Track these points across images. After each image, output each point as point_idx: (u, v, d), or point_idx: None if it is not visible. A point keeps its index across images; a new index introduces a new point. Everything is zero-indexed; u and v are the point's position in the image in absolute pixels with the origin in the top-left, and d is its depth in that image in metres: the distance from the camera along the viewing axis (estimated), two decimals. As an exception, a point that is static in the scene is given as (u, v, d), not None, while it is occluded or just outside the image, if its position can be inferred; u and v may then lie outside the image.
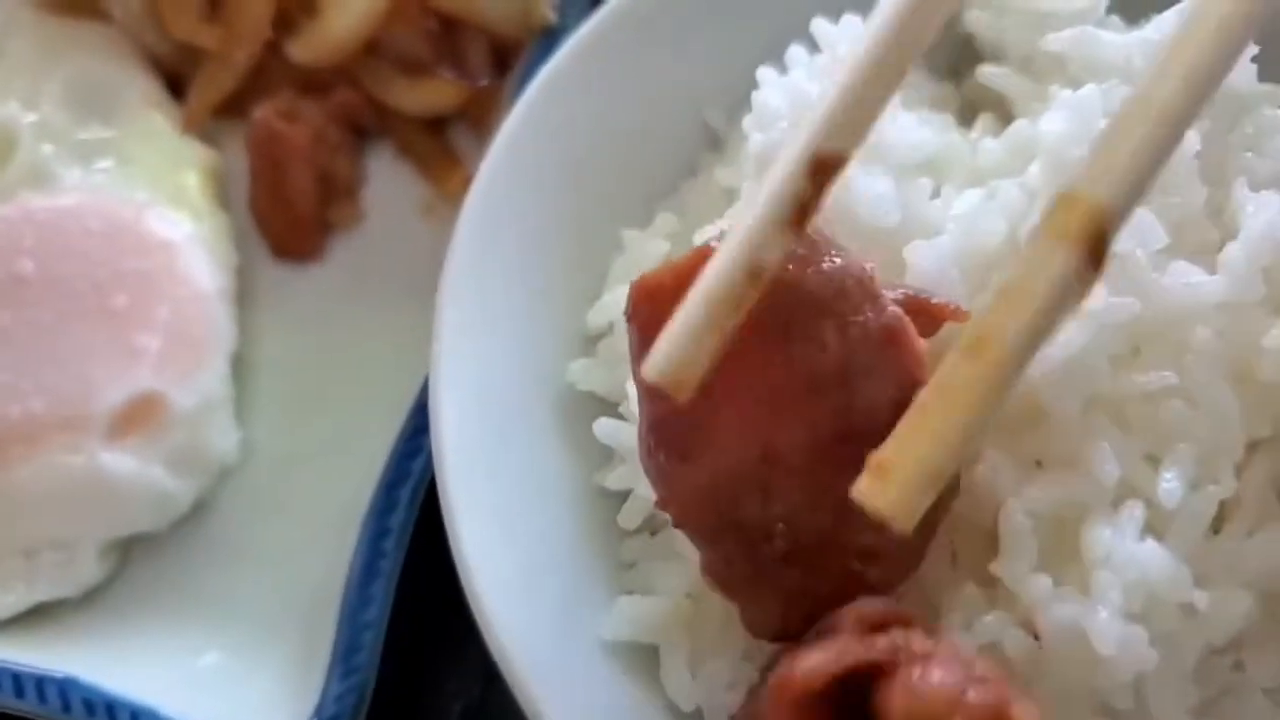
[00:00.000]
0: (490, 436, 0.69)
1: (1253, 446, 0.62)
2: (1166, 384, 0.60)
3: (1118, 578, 0.57)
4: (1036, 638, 0.58)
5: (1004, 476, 0.61)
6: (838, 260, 0.58)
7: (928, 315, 0.61)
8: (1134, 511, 0.58)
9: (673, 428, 0.58)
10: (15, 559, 0.80)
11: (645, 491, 0.64)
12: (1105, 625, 0.56)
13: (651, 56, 0.79)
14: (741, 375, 0.56)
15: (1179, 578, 0.58)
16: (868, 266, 0.59)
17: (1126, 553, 0.57)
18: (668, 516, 0.61)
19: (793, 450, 0.57)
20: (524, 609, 0.64)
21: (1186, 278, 0.61)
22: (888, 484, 0.45)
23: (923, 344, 0.59)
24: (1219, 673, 0.61)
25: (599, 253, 0.77)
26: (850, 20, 0.70)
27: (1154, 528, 0.59)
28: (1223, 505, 0.60)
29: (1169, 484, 0.58)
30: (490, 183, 0.74)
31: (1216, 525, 0.61)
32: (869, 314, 0.58)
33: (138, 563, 0.83)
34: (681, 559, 0.65)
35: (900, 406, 0.55)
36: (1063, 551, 0.60)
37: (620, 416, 0.71)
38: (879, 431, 0.56)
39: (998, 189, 0.66)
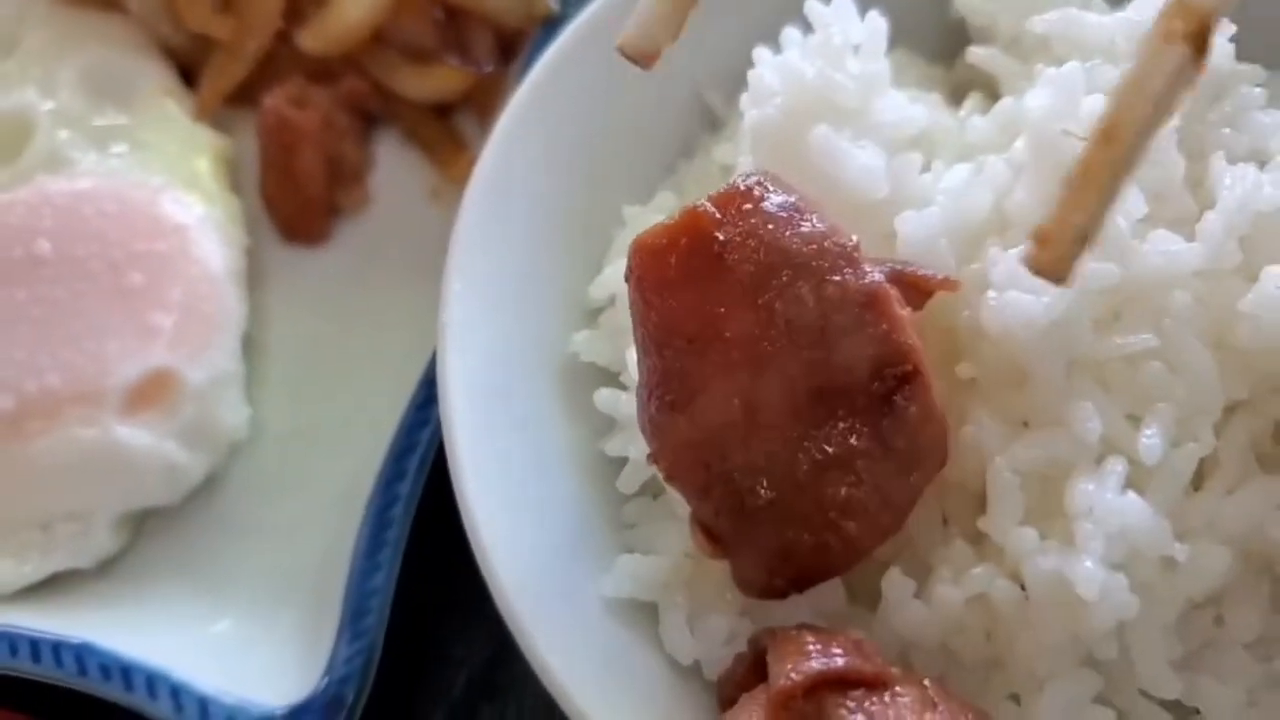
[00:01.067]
0: (497, 404, 0.71)
1: (1231, 409, 0.63)
2: (1146, 346, 0.62)
3: (1100, 529, 0.58)
4: (1023, 588, 0.60)
5: (991, 436, 0.63)
6: (819, 224, 0.60)
7: (915, 287, 0.63)
8: (1116, 466, 0.60)
9: (665, 378, 0.60)
10: (32, 530, 0.82)
11: (641, 456, 0.66)
12: (1088, 573, 0.57)
13: (651, 41, 0.81)
14: (725, 329, 0.59)
15: (1159, 530, 0.60)
16: (852, 237, 0.61)
17: (1108, 505, 0.59)
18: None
19: (770, 403, 0.59)
20: (531, 569, 0.66)
21: (1166, 245, 0.63)
22: (1047, 249, 0.52)
23: (906, 313, 0.60)
24: (1200, 627, 0.63)
25: (601, 228, 0.79)
26: (842, 2, 0.72)
27: (1135, 484, 0.61)
28: (1203, 464, 0.62)
29: (1149, 440, 0.60)
30: (495, 161, 0.76)
31: (1197, 484, 0.63)
32: (847, 274, 0.60)
33: (151, 535, 0.85)
34: (681, 520, 0.67)
35: (878, 367, 0.59)
36: (1048, 507, 0.62)
37: (620, 386, 0.73)
38: (856, 389, 0.59)
39: (985, 163, 0.68)
